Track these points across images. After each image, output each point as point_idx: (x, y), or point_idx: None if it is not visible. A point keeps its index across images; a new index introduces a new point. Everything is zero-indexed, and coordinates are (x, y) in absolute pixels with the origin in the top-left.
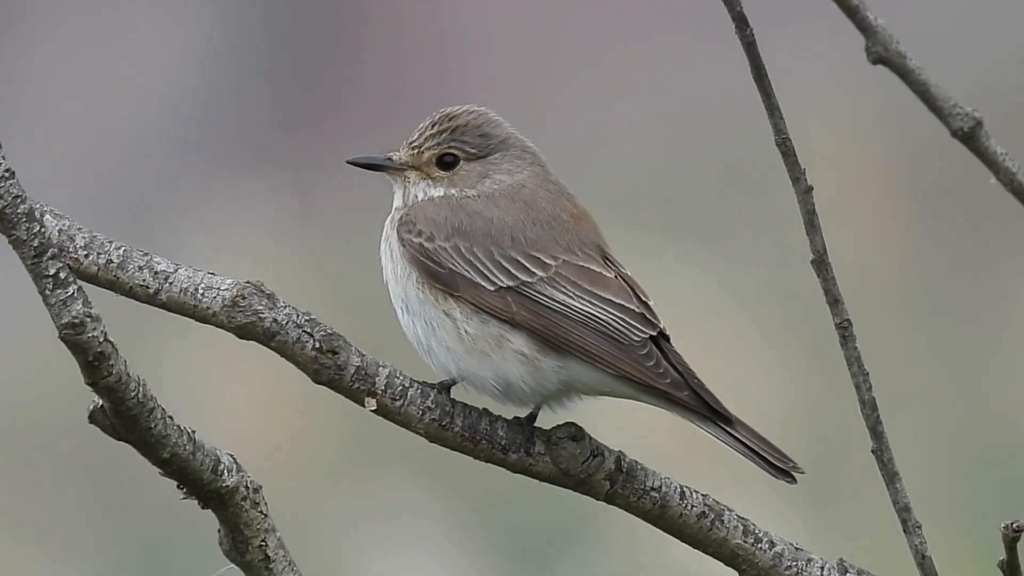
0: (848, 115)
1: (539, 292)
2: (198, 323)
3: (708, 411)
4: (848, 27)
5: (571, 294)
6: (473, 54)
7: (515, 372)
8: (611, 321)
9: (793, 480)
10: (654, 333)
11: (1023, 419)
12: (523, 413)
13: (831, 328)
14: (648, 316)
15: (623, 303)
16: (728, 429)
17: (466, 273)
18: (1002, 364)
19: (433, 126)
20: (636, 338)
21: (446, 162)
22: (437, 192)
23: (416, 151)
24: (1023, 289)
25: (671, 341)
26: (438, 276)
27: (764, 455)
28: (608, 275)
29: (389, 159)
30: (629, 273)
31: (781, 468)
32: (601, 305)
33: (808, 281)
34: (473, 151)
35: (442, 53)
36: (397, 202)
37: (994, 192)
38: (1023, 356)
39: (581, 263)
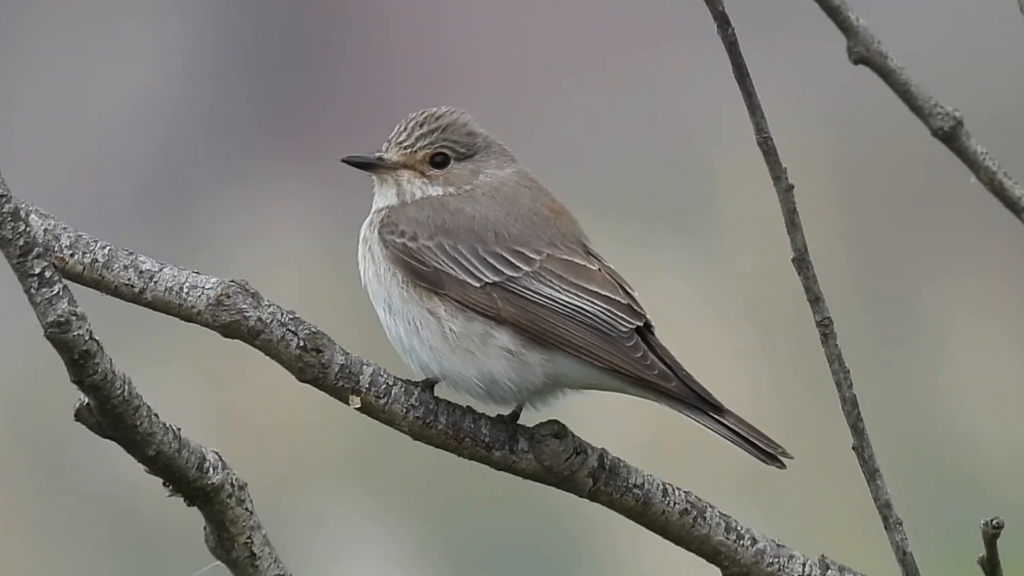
0: (826, 115)
1: (525, 287)
2: (183, 322)
3: (698, 401)
4: (830, 27)
5: (557, 287)
6: (456, 59)
7: (500, 369)
8: (598, 313)
9: (782, 465)
10: (640, 324)
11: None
12: (506, 411)
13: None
14: (634, 307)
15: (609, 295)
16: (717, 417)
17: (451, 271)
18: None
19: (421, 125)
20: (623, 329)
21: (437, 161)
22: (435, 191)
23: (409, 150)
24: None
25: (655, 333)
26: (423, 275)
27: (753, 441)
28: (592, 268)
29: (381, 158)
30: (612, 266)
31: (770, 453)
32: (587, 297)
33: (790, 279)
34: (462, 150)
35: (425, 59)
36: (388, 201)
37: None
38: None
39: (565, 256)
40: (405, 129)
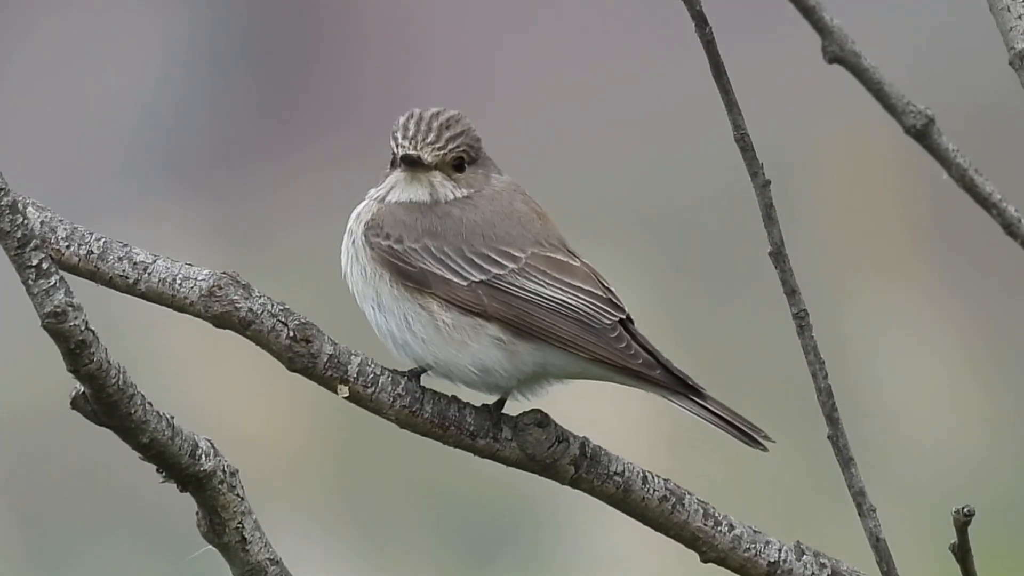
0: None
1: (510, 283)
2: (176, 312)
3: (681, 386)
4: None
5: (541, 282)
6: (427, 70)
7: (492, 357)
8: (581, 306)
9: (764, 448)
10: (622, 316)
11: None
12: (491, 400)
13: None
14: (615, 300)
15: (591, 289)
16: (700, 402)
17: (437, 270)
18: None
19: (447, 127)
20: (607, 321)
21: (456, 164)
22: (460, 193)
23: (441, 152)
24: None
25: (635, 325)
26: (409, 275)
27: (737, 425)
28: (575, 264)
29: (420, 158)
30: (590, 263)
31: (753, 437)
32: (571, 291)
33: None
34: (474, 155)
35: (396, 71)
36: (418, 198)
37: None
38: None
39: (549, 254)
40: (431, 130)
